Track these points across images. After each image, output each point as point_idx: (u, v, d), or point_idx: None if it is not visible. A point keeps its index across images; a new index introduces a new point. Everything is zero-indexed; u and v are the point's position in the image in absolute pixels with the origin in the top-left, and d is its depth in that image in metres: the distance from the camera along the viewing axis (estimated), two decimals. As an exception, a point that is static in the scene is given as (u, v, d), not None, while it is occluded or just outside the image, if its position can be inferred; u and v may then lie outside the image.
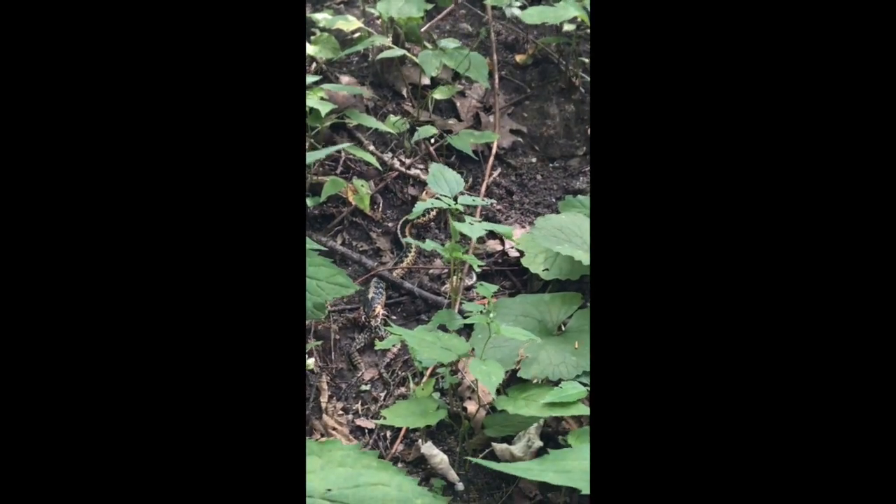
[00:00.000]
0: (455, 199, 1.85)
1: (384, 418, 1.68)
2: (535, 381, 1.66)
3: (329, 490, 1.16)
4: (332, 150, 1.71)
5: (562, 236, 1.84)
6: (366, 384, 1.99)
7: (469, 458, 1.57)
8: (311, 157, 1.33)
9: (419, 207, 1.87)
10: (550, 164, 2.61)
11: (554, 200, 2.44)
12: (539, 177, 2.56)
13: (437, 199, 1.85)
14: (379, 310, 2.10)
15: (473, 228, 1.76)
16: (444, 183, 1.84)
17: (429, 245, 1.92)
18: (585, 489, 1.01)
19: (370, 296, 2.12)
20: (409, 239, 2.19)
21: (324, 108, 2.11)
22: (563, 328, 1.83)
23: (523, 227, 2.33)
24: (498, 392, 1.66)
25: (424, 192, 2.41)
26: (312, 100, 2.21)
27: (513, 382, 1.76)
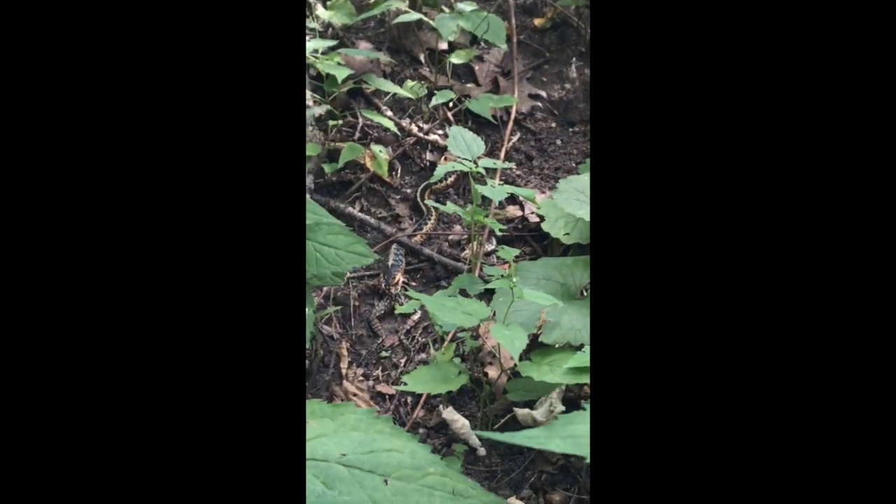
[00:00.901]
0: (475, 161, 1.82)
1: (405, 384, 1.67)
2: (557, 345, 1.64)
3: (344, 455, 1.16)
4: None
5: (583, 199, 1.81)
6: (386, 350, 1.98)
7: (478, 433, 1.56)
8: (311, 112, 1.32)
9: (440, 170, 1.84)
10: (570, 129, 2.57)
11: (574, 165, 2.41)
12: (559, 141, 2.52)
13: (458, 161, 1.83)
14: (399, 277, 2.09)
15: (496, 191, 1.74)
16: (463, 145, 1.81)
17: (450, 207, 1.90)
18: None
19: (390, 263, 2.10)
20: (430, 201, 2.17)
21: (340, 74, 2.09)
22: (586, 293, 1.80)
23: (543, 192, 2.30)
24: (520, 357, 1.64)
25: (443, 158, 2.39)
26: (329, 65, 2.18)
27: (534, 347, 1.74)
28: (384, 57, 2.55)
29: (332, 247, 1.59)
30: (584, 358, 1.47)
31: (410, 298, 1.84)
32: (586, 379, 1.47)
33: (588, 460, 0.91)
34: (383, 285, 2.08)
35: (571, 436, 1.09)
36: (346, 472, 1.15)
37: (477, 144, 1.84)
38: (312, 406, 1.26)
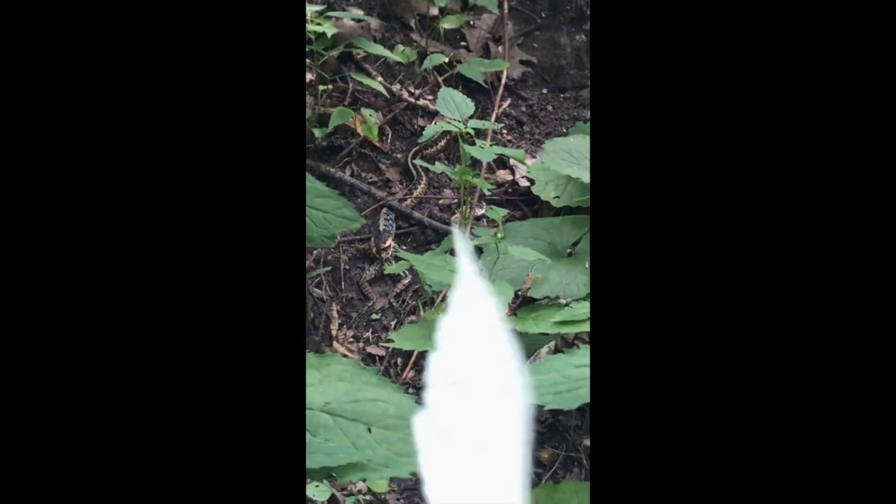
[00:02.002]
0: (465, 122, 1.82)
1: (392, 341, 1.68)
2: (545, 301, 1.65)
3: (328, 403, 1.17)
4: None
5: (571, 159, 1.82)
6: (376, 313, 1.99)
7: None
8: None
9: (429, 130, 1.84)
10: (561, 95, 2.57)
11: (565, 131, 2.41)
12: (549, 107, 2.52)
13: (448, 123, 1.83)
14: (390, 242, 2.09)
15: (484, 151, 1.74)
16: (453, 105, 1.81)
17: (438, 168, 1.90)
18: (551, 405, 1.01)
19: (381, 228, 2.10)
20: (420, 161, 2.17)
21: (329, 31, 2.08)
22: (573, 251, 1.81)
23: (534, 157, 2.30)
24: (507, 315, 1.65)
25: (434, 122, 2.38)
26: (319, 27, 2.17)
27: (521, 308, 1.75)
28: (375, 21, 2.53)
29: (319, 210, 1.59)
30: (570, 312, 1.47)
31: (400, 259, 1.85)
32: (572, 330, 1.48)
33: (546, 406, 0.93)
34: (374, 250, 2.09)
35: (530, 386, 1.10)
36: (330, 420, 1.16)
37: (466, 105, 1.84)
38: (298, 357, 1.26)
